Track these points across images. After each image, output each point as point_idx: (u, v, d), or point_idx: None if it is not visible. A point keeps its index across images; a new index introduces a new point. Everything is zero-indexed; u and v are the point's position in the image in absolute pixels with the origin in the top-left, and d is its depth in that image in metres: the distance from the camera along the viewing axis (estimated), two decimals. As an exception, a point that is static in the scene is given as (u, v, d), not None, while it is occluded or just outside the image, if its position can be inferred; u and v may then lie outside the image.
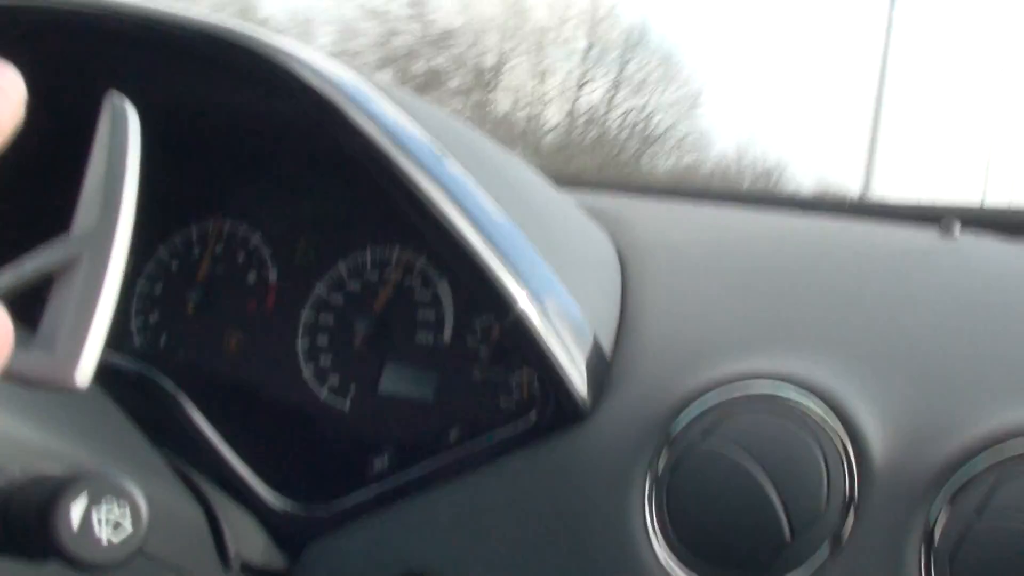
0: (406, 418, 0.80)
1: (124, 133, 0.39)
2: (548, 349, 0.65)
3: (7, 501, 0.43)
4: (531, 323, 0.64)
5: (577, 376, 0.66)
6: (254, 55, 0.64)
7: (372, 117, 0.63)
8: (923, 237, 0.81)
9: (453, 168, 0.66)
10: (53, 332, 0.36)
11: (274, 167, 0.92)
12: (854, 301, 0.71)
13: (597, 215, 0.88)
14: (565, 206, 0.83)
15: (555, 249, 0.72)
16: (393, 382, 0.82)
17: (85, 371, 0.36)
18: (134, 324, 0.91)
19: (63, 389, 0.36)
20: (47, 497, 0.42)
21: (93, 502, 0.43)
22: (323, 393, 0.83)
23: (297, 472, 0.74)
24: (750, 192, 1.04)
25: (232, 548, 0.63)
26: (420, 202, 0.63)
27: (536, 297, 0.65)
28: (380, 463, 0.72)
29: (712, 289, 0.76)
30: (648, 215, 0.93)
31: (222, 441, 0.69)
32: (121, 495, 0.43)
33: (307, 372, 0.84)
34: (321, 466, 0.77)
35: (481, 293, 0.65)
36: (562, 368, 0.65)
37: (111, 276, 0.37)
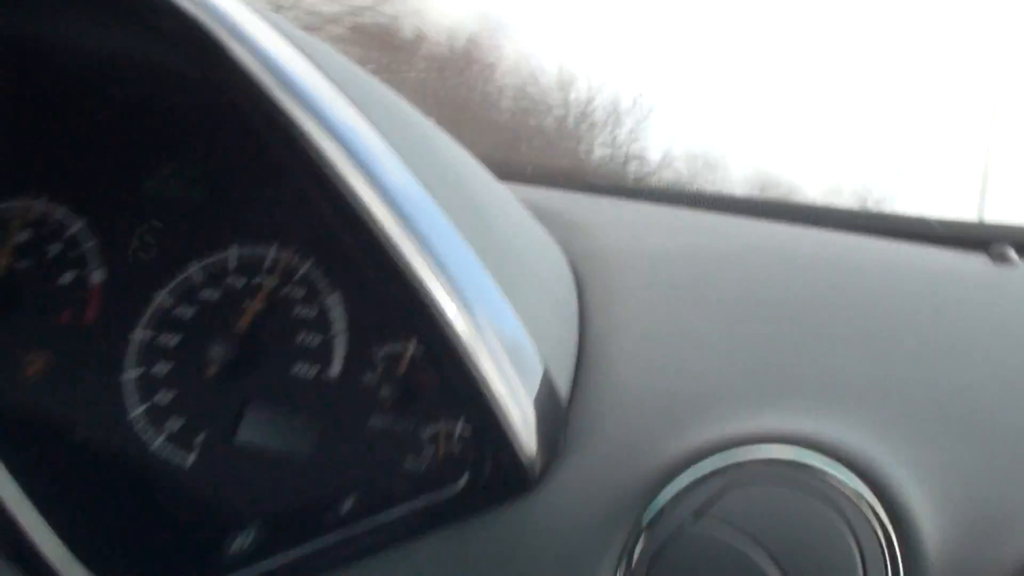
0: (276, 480, 0.74)
1: None
2: (487, 387, 0.58)
3: None
4: (464, 348, 0.58)
5: (524, 428, 0.60)
6: None
7: (260, 55, 0.57)
8: (971, 263, 0.79)
9: (363, 129, 0.59)
10: None
11: (109, 135, 0.86)
12: (888, 340, 0.68)
13: (544, 216, 0.84)
14: (508, 201, 0.78)
15: (497, 254, 0.66)
16: (257, 429, 0.76)
17: None
18: None
19: None
20: None
21: None
22: (156, 441, 0.77)
23: (120, 549, 0.67)
24: (737, 197, 1.05)
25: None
26: (315, 165, 0.56)
27: (472, 312, 0.59)
28: (239, 542, 0.66)
29: (695, 317, 0.72)
30: (607, 218, 0.89)
31: (18, 495, 0.63)
32: None
33: (136, 411, 0.78)
34: (155, 543, 0.70)
35: (394, 302, 0.59)
36: (505, 415, 0.59)
37: None
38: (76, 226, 0.85)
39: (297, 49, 0.60)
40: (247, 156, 0.75)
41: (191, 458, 0.76)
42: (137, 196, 0.85)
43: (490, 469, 0.61)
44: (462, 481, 0.61)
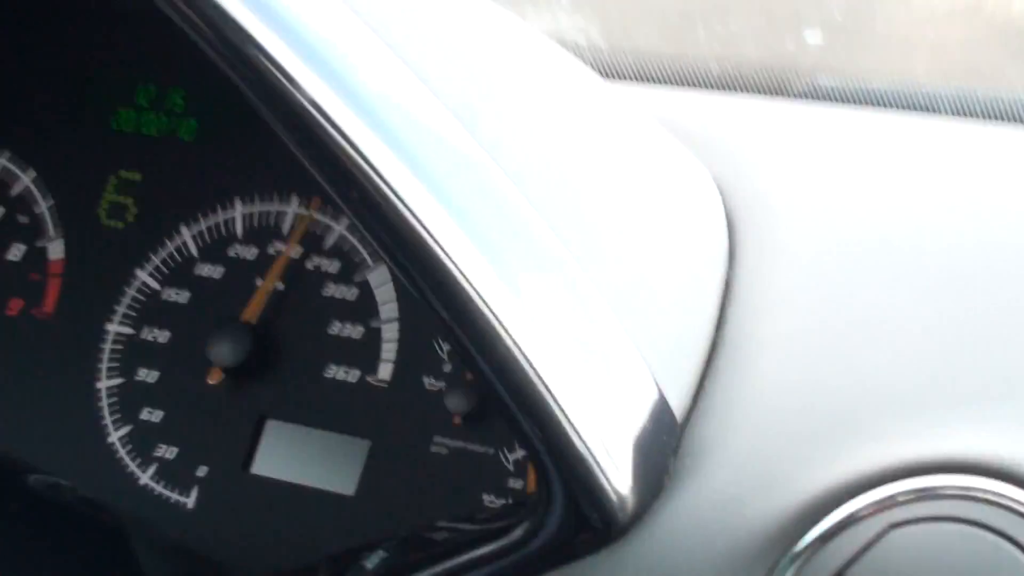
0: (303, 528, 0.85)
1: None
2: (546, 402, 0.66)
3: None
4: (505, 343, 0.65)
5: (609, 456, 0.68)
6: None
7: None
8: None
9: (389, 65, 0.67)
10: None
11: (60, 50, 0.98)
12: None
13: (687, 135, 0.91)
14: (624, 119, 0.87)
15: (598, 215, 0.75)
16: (278, 457, 0.87)
17: None
18: None
19: None
20: None
21: None
22: (146, 473, 0.89)
23: None
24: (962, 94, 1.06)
25: None
26: (316, 144, 0.64)
27: (517, 295, 0.66)
28: None
29: (885, 291, 0.80)
30: (783, 135, 0.95)
31: None
32: None
33: (117, 434, 0.90)
34: None
35: (434, 308, 0.67)
36: (576, 439, 0.67)
37: None
38: (24, 180, 0.97)
39: None
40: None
41: (191, 499, 0.88)
42: (104, 136, 0.96)
43: (560, 513, 0.69)
44: (519, 530, 0.70)
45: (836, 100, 1.04)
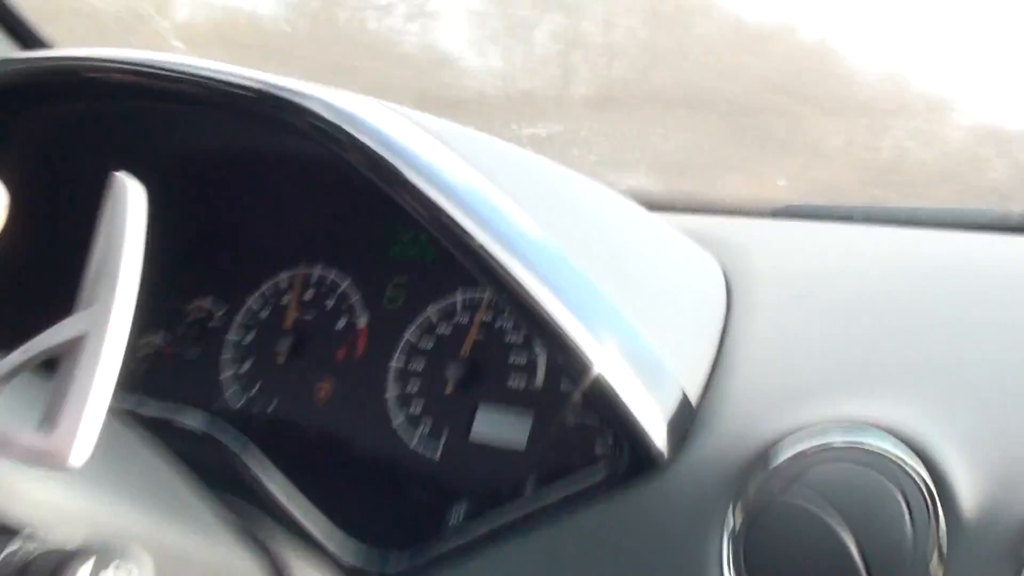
0: (494, 466, 0.92)
1: (126, 211, 0.45)
2: (621, 405, 0.72)
3: (24, 570, 0.49)
4: (603, 381, 0.72)
5: (654, 428, 0.73)
6: (303, 113, 0.75)
7: (431, 178, 0.73)
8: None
9: (515, 219, 0.74)
10: (56, 412, 0.42)
11: (363, 214, 1.06)
12: (976, 333, 0.76)
13: (705, 240, 0.98)
14: (658, 232, 0.94)
15: (640, 286, 0.82)
16: (486, 428, 0.94)
17: (80, 451, 0.42)
18: (224, 375, 1.07)
19: (59, 468, 0.42)
20: (58, 561, 0.49)
21: (100, 564, 0.49)
22: (413, 441, 0.97)
23: (373, 522, 0.83)
24: (887, 209, 1.08)
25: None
26: (482, 264, 0.73)
27: (610, 350, 0.72)
28: (455, 514, 0.83)
29: (820, 323, 0.82)
30: (764, 238, 1.01)
31: (292, 496, 0.80)
32: (127, 555, 0.50)
33: (397, 420, 0.99)
34: (399, 518, 0.88)
35: (550, 348, 0.75)
36: (636, 422, 0.72)
37: (109, 354, 0.42)
38: (344, 284, 1.07)
39: (451, 150, 0.76)
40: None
41: (438, 452, 0.96)
42: (387, 258, 1.06)
43: (628, 457, 0.74)
44: (605, 461, 0.75)
45: (793, 217, 1.09)
